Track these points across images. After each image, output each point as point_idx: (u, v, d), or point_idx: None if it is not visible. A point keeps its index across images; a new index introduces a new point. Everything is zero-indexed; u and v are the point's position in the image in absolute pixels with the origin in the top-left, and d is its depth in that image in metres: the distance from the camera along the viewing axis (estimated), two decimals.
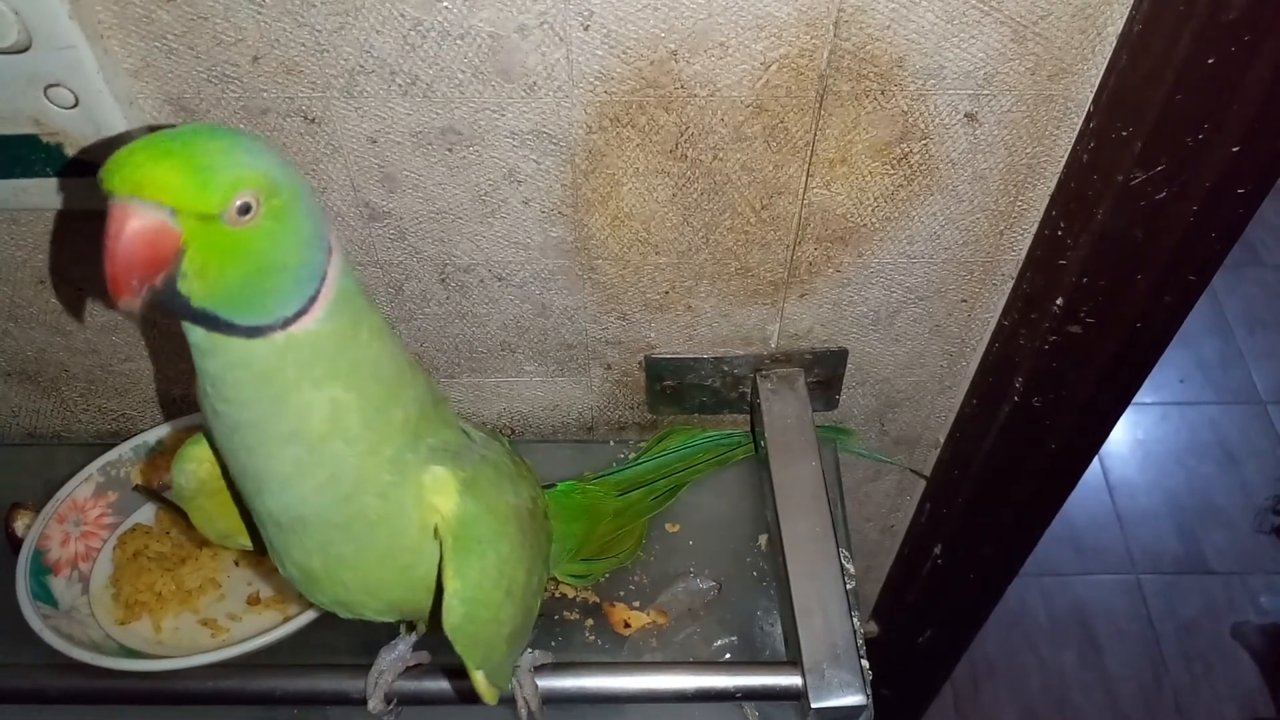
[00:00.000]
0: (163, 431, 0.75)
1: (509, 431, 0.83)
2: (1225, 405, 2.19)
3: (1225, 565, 1.97)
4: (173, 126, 0.39)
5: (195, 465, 0.52)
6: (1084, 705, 1.82)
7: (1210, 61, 0.50)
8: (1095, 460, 2.07)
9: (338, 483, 0.45)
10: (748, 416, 0.80)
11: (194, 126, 0.38)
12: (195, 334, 0.40)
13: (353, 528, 0.46)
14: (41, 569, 0.67)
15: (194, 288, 0.38)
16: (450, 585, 0.46)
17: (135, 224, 0.36)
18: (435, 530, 0.47)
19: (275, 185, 0.38)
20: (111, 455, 0.74)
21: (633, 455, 0.80)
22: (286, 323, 0.40)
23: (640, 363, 0.76)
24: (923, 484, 0.90)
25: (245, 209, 0.37)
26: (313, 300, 0.41)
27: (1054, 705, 1.82)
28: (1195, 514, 2.04)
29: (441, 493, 0.47)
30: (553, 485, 0.72)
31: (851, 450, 0.85)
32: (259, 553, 0.53)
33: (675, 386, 0.76)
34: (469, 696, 0.60)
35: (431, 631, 0.52)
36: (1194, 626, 1.90)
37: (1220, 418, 2.17)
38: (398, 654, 0.61)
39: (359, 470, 0.45)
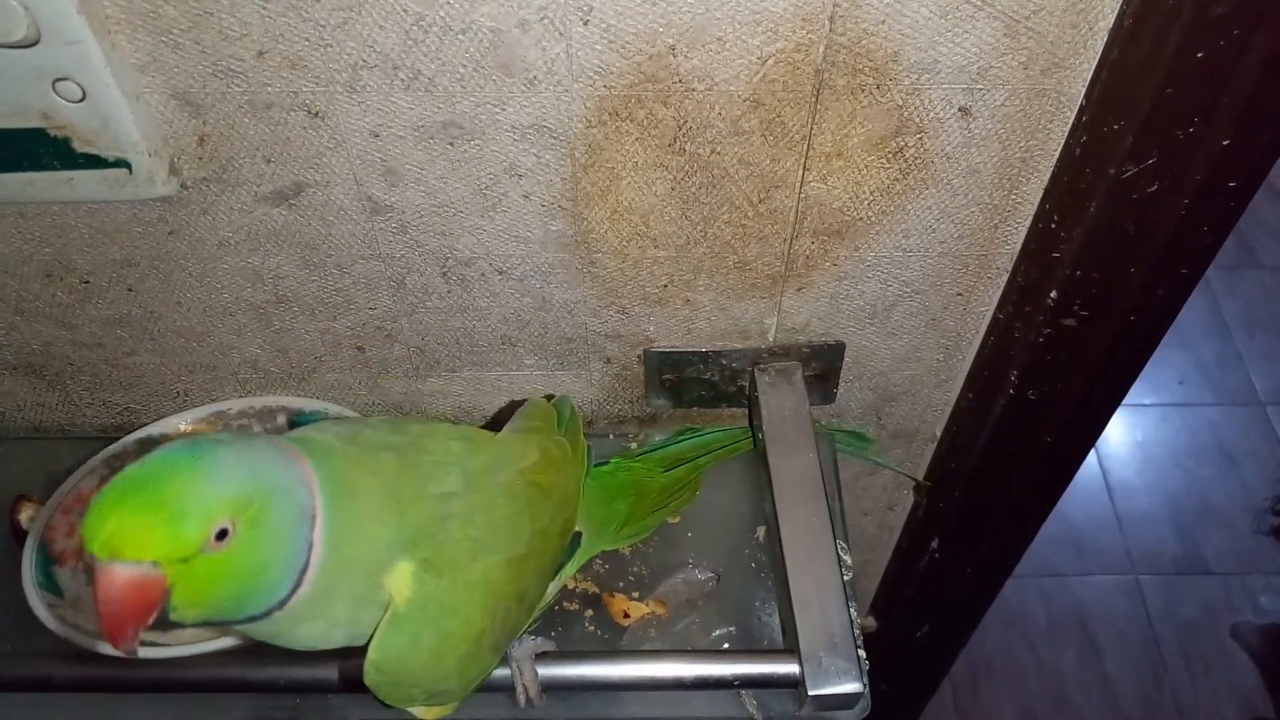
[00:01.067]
0: (167, 425, 0.76)
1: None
2: (1224, 407, 2.19)
3: (1224, 566, 1.97)
4: (143, 459, 0.41)
5: None
6: (1083, 705, 1.82)
7: (1200, 55, 0.51)
8: (1094, 461, 2.08)
9: (327, 640, 0.48)
10: (745, 410, 0.81)
11: (160, 462, 0.41)
12: None
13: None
14: (47, 559, 0.68)
15: (186, 614, 0.41)
16: (370, 653, 0.48)
17: (121, 585, 0.38)
18: None
19: (247, 500, 0.41)
20: (115, 448, 0.75)
21: (639, 445, 0.81)
22: (283, 602, 0.44)
23: (639, 356, 0.76)
24: (922, 481, 0.90)
25: (223, 534, 0.40)
26: (304, 571, 0.44)
27: (1053, 705, 1.82)
28: (1194, 515, 2.04)
29: (398, 582, 0.48)
30: (605, 463, 0.74)
31: (863, 456, 0.85)
32: None
33: (674, 380, 0.77)
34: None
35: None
36: (1193, 627, 1.90)
37: (1219, 419, 2.18)
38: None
39: (349, 635, 0.49)
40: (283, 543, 0.43)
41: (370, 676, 0.49)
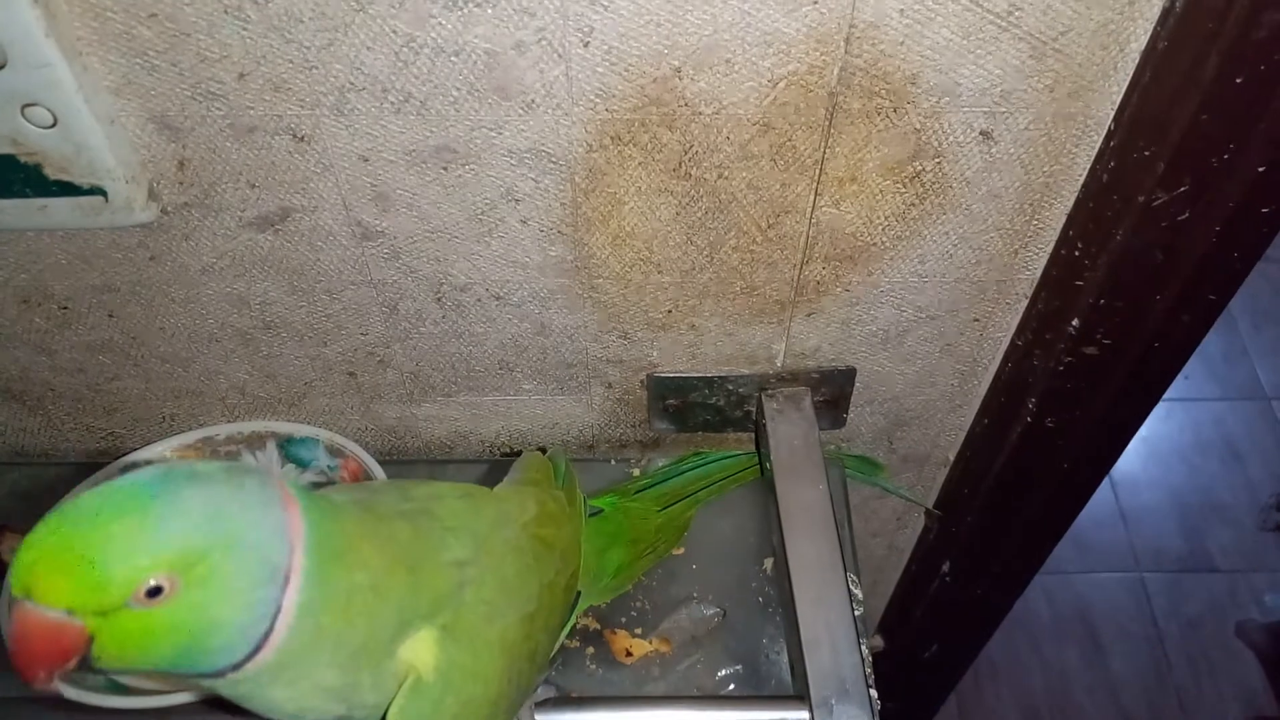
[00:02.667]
0: (152, 450, 0.73)
1: (508, 450, 0.81)
2: (1230, 401, 2.18)
3: (1229, 563, 1.96)
4: (88, 492, 0.37)
5: None
6: (1087, 704, 1.81)
7: (1239, 81, 0.48)
8: None
9: (316, 710, 0.44)
10: (752, 435, 0.78)
11: (108, 495, 0.37)
12: None
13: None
14: None
15: (113, 665, 0.37)
16: (390, 715, 0.45)
17: (31, 627, 0.35)
18: None
19: (197, 555, 0.37)
20: (99, 475, 0.72)
21: (640, 473, 0.78)
22: (237, 665, 0.39)
23: (642, 381, 0.74)
24: (933, 510, 0.88)
25: (155, 591, 0.36)
26: (267, 635, 0.39)
27: (1057, 703, 1.81)
28: (1199, 511, 2.02)
29: (420, 652, 0.45)
30: (599, 512, 0.70)
31: (875, 483, 0.83)
32: None
33: (678, 405, 0.75)
34: None
35: None
36: (1198, 624, 1.89)
37: (1225, 414, 2.16)
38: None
39: (346, 713, 0.44)
40: (235, 606, 0.38)
41: None
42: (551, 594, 0.54)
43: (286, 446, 0.74)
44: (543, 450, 0.67)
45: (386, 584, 0.44)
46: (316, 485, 0.74)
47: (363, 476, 0.71)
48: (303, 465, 0.74)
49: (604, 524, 0.69)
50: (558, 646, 0.62)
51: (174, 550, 0.36)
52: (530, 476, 0.61)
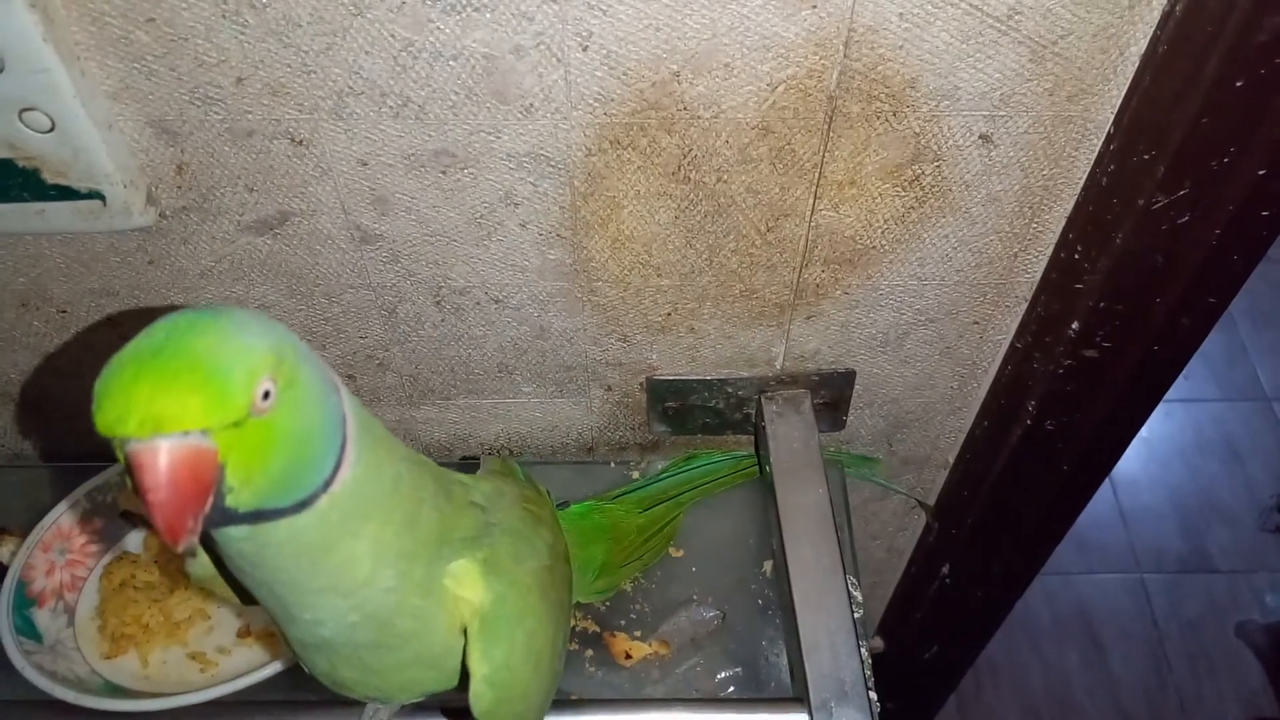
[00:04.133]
0: None
1: (507, 452, 0.81)
2: (1230, 402, 2.17)
3: (1230, 564, 1.95)
4: (144, 333, 0.35)
5: (207, 555, 0.50)
6: (1087, 705, 1.81)
7: (1239, 84, 0.48)
8: None
9: (372, 619, 0.43)
10: (752, 438, 0.78)
11: (173, 327, 0.34)
12: (234, 531, 0.37)
13: (385, 646, 0.45)
14: (24, 601, 0.65)
15: (242, 497, 0.35)
16: (478, 670, 0.45)
17: (173, 462, 0.32)
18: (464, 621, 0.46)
19: (280, 354, 0.35)
20: (98, 480, 0.72)
21: (640, 476, 0.78)
22: (327, 483, 0.38)
23: (642, 384, 0.73)
24: (933, 507, 0.88)
25: (267, 394, 0.34)
26: (342, 446, 0.39)
27: (1057, 704, 1.81)
28: (1199, 512, 2.02)
29: (466, 585, 0.45)
30: (565, 505, 0.70)
31: (873, 480, 0.83)
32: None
33: (678, 408, 0.74)
34: None
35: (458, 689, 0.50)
36: (1198, 625, 1.88)
37: (1225, 414, 2.16)
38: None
39: (394, 604, 0.43)
40: (321, 402, 0.37)
41: (485, 697, 0.45)
42: (555, 558, 0.55)
43: None
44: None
45: (421, 483, 0.44)
46: None
47: None
48: None
49: (580, 520, 0.69)
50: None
51: (266, 349, 0.35)
52: (496, 470, 0.61)
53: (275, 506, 0.37)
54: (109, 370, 0.33)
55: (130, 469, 0.33)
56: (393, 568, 0.42)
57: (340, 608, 0.42)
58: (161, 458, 0.32)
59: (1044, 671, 1.84)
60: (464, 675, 0.47)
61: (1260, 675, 1.83)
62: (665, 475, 0.77)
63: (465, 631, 0.46)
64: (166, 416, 0.32)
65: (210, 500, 0.34)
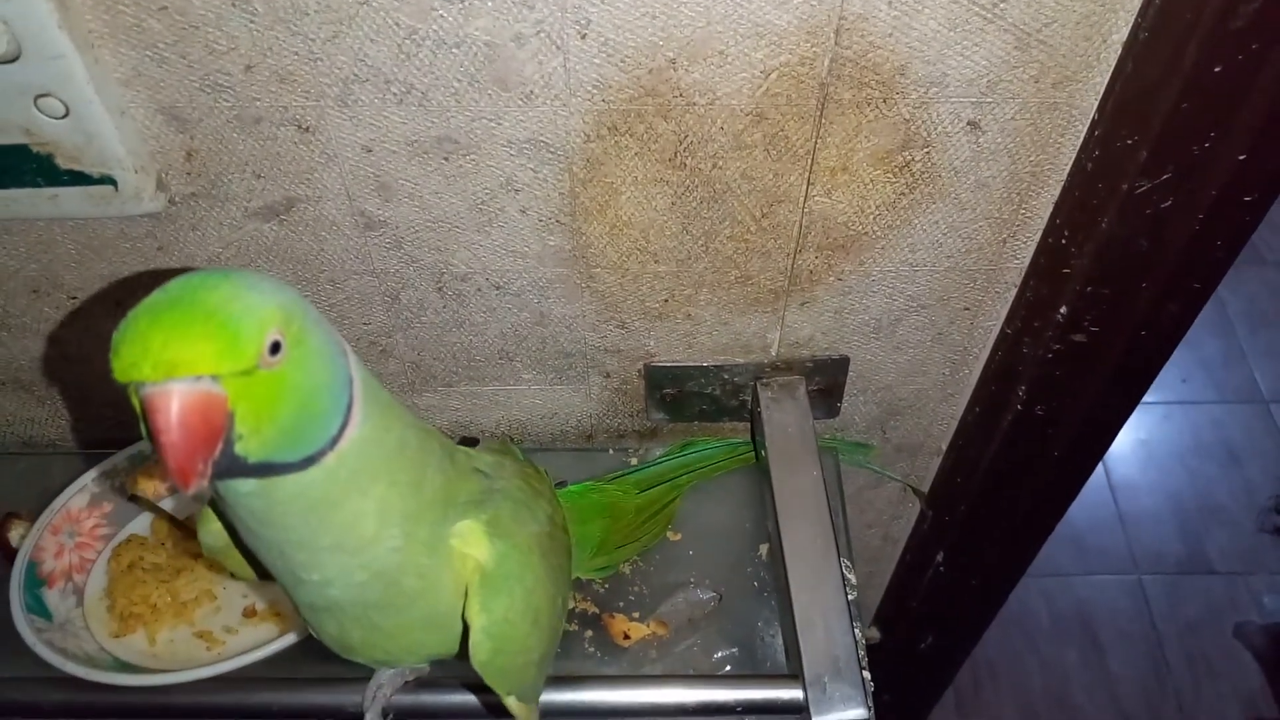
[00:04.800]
0: None
1: (508, 439, 0.82)
2: (1228, 404, 2.18)
3: (1228, 565, 1.96)
4: (161, 288, 0.37)
5: (219, 525, 0.51)
6: (1086, 706, 1.81)
7: (1217, 70, 0.50)
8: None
9: (379, 577, 0.44)
10: (748, 424, 0.79)
11: (186, 283, 0.36)
12: (242, 485, 0.39)
13: (392, 606, 0.46)
14: (35, 581, 0.67)
15: (250, 445, 0.36)
16: (476, 620, 0.46)
17: (184, 405, 0.34)
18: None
19: (289, 312, 0.37)
20: (106, 465, 0.74)
21: (640, 460, 0.80)
22: (334, 441, 0.40)
23: (640, 371, 0.75)
24: (924, 492, 0.89)
25: (276, 347, 0.36)
26: (349, 407, 0.40)
27: (1055, 706, 1.81)
28: (1198, 514, 2.02)
29: (471, 543, 0.47)
30: (563, 484, 0.72)
31: (867, 465, 0.84)
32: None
33: (675, 394, 0.76)
34: (468, 711, 0.60)
35: (459, 656, 0.52)
36: (1196, 627, 1.89)
37: (1223, 417, 2.16)
38: (397, 668, 0.60)
39: (400, 562, 0.44)
40: (328, 362, 0.39)
41: (483, 647, 0.47)
42: (554, 526, 0.56)
43: None
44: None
45: (427, 445, 0.45)
46: None
47: None
48: None
49: (578, 498, 0.71)
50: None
51: (275, 305, 0.36)
52: (495, 448, 0.62)
53: (283, 460, 0.38)
54: (126, 321, 0.35)
55: (144, 413, 0.34)
56: (399, 526, 0.44)
57: (348, 565, 0.43)
58: (174, 401, 0.34)
59: (1042, 672, 1.84)
60: (465, 635, 0.48)
61: (1258, 676, 1.83)
62: (663, 459, 0.78)
63: (468, 590, 0.47)
64: (179, 362, 0.34)
65: (220, 446, 0.35)
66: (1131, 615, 1.90)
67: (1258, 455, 2.10)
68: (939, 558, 0.90)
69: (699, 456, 0.78)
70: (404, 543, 0.44)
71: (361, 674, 0.60)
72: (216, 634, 0.67)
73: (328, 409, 0.39)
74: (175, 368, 0.34)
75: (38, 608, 0.65)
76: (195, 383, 0.34)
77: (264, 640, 0.64)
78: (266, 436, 0.37)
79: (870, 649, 0.67)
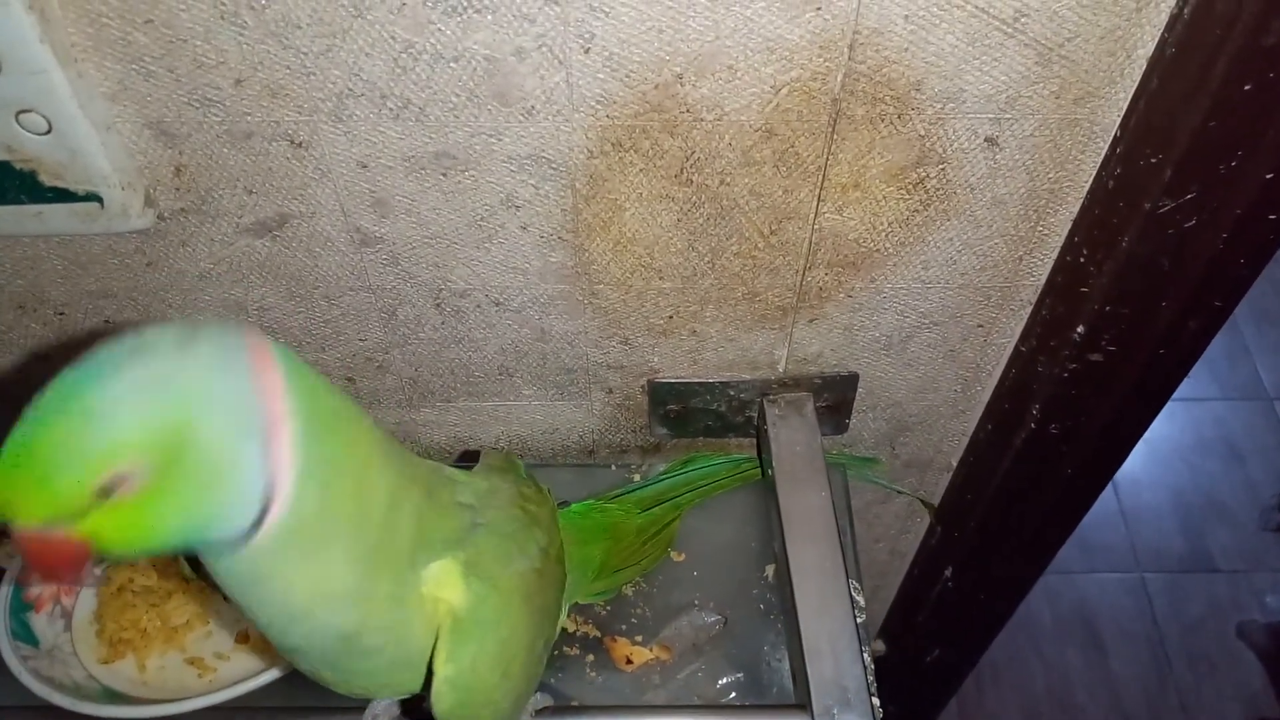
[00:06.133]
0: None
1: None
2: (1231, 401, 2.17)
3: (1230, 563, 1.95)
4: (48, 385, 0.36)
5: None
6: (1088, 704, 1.81)
7: (1247, 87, 0.48)
8: None
9: (333, 637, 0.43)
10: (753, 440, 0.77)
11: (47, 399, 0.35)
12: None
13: (355, 655, 0.45)
14: (21, 606, 0.65)
15: (126, 554, 0.36)
16: (441, 670, 0.44)
17: (30, 549, 0.35)
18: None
19: (150, 435, 0.34)
20: None
21: (640, 479, 0.78)
22: (256, 522, 0.37)
23: (643, 387, 0.73)
24: (934, 505, 0.87)
25: (119, 483, 0.34)
26: (271, 496, 0.38)
27: (1057, 704, 1.80)
28: (1200, 511, 2.02)
29: (445, 585, 0.45)
30: (566, 504, 0.70)
31: (875, 481, 0.82)
32: None
33: (679, 411, 0.74)
34: None
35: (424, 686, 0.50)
36: (1199, 625, 1.88)
37: (1226, 414, 2.15)
38: (390, 700, 0.58)
39: (356, 620, 0.43)
40: (217, 471, 0.36)
41: (445, 698, 0.45)
42: (547, 561, 0.54)
43: None
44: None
45: (400, 489, 0.43)
46: None
47: None
48: None
49: (579, 518, 0.69)
50: (556, 634, 0.61)
51: (126, 439, 0.34)
52: (496, 465, 0.60)
53: (187, 550, 0.38)
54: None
55: None
56: (350, 589, 0.42)
57: (308, 632, 0.42)
58: (21, 544, 0.35)
59: (1044, 671, 1.84)
60: (429, 673, 0.46)
61: (1261, 675, 1.83)
62: (665, 477, 0.76)
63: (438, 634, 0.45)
64: (14, 510, 0.34)
65: (88, 560, 0.36)
66: (1133, 614, 1.90)
67: (1261, 452, 2.09)
68: (947, 573, 0.89)
69: (702, 473, 0.76)
70: (355, 604, 0.42)
71: (357, 704, 0.59)
72: (208, 660, 0.66)
73: (225, 506, 0.37)
74: (14, 513, 0.34)
75: (24, 634, 0.64)
76: (33, 528, 0.34)
77: (256, 667, 0.62)
78: (141, 547, 0.36)
79: (875, 661, 0.66)
